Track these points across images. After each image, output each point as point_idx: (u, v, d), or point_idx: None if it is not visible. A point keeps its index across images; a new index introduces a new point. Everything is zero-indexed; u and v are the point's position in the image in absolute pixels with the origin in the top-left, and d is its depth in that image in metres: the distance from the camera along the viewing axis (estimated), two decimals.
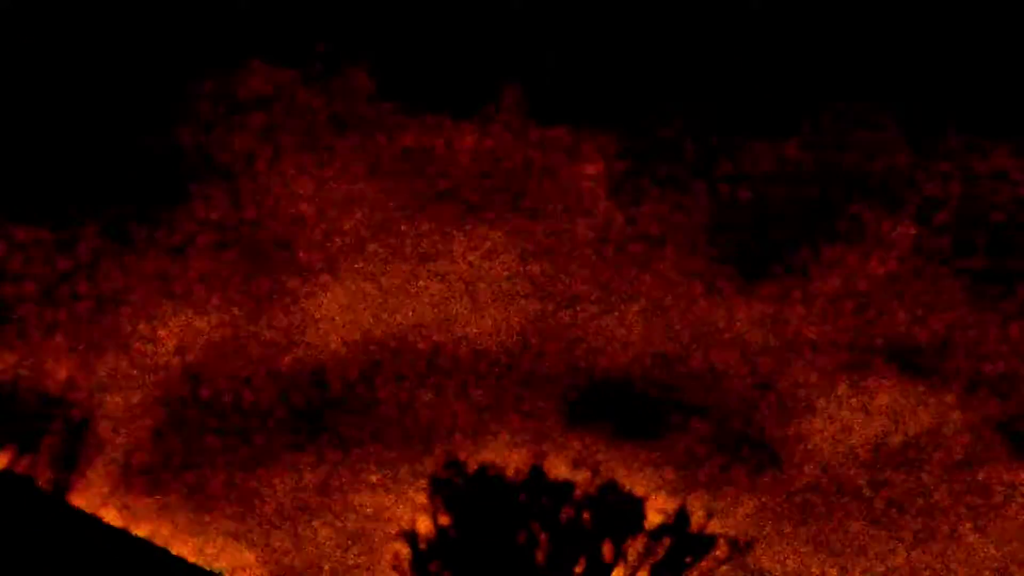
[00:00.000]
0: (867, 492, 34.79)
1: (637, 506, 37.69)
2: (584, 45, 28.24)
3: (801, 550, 36.37)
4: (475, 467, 36.22)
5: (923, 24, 32.71)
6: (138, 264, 31.47)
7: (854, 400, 31.21)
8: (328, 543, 35.96)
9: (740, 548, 37.53)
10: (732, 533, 37.56)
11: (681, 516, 37.71)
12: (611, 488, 37.40)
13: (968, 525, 35.31)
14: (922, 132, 32.85)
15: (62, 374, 30.73)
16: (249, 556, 35.38)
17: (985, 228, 33.68)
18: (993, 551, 33.93)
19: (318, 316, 28.44)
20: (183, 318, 30.33)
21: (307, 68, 31.03)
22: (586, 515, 37.68)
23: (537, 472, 37.00)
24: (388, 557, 36.36)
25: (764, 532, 37.32)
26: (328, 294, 28.85)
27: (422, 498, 36.56)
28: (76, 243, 31.96)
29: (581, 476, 37.18)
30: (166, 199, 32.43)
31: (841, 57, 33.11)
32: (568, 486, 37.13)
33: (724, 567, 37.65)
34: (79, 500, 32.99)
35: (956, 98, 32.69)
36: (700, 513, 37.63)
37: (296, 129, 30.24)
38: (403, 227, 27.17)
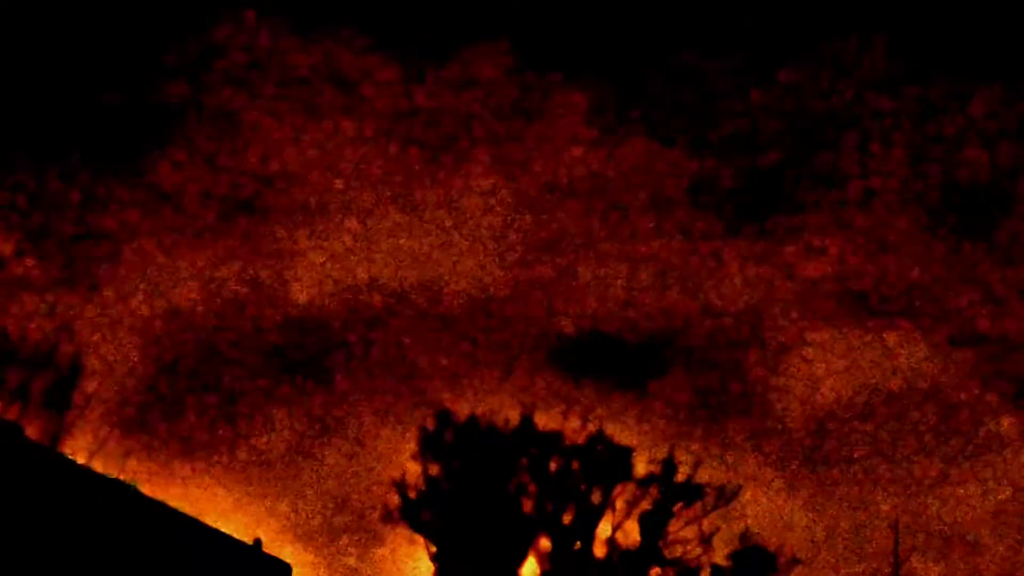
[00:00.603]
0: (852, 439, 34.98)
1: (626, 455, 37.94)
2: None
3: (785, 498, 36.60)
4: (464, 416, 36.44)
5: None
6: (123, 214, 31.61)
7: (841, 347, 31.34)
8: (317, 490, 36.20)
9: (726, 496, 37.80)
10: (718, 482, 37.82)
11: (668, 465, 37.97)
12: (600, 438, 37.65)
13: (954, 471, 35.52)
14: (910, 73, 32.93)
15: (47, 321, 30.93)
16: (236, 503, 35.65)
17: (972, 177, 33.76)
18: (978, 498, 34.16)
19: (304, 266, 28.57)
20: (170, 269, 30.48)
21: (293, 19, 31.08)
22: (575, 464, 37.93)
23: (527, 422, 37.24)
24: (378, 505, 36.62)
25: (750, 480, 37.56)
26: (314, 244, 28.95)
27: (411, 446, 36.81)
28: (60, 192, 32.10)
29: (570, 425, 37.42)
30: (152, 149, 32.55)
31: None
32: (557, 435, 37.37)
33: (710, 515, 37.92)
34: (68, 447, 33.24)
35: (948, 33, 32.73)
36: (687, 462, 37.88)
37: (281, 81, 30.30)
38: (388, 178, 27.21)
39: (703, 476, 38.19)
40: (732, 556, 37.89)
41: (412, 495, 37.17)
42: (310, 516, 36.23)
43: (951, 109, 33.67)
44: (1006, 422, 35.50)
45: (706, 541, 38.05)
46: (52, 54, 32.43)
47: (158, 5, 30.94)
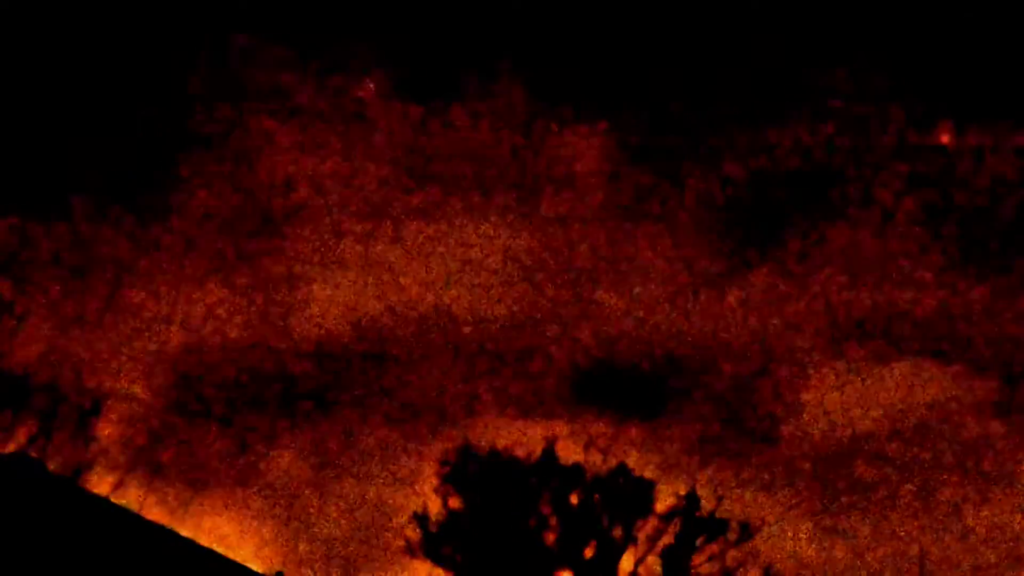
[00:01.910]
0: (875, 472, 34.80)
1: (647, 489, 37.75)
2: (583, 21, 28.18)
3: (807, 531, 36.45)
4: (483, 449, 36.27)
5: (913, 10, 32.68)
6: (131, 244, 31.47)
7: (857, 379, 31.13)
8: (337, 523, 36.07)
9: (749, 531, 37.57)
10: (741, 516, 37.60)
11: (691, 498, 37.76)
12: (621, 471, 37.47)
13: (978, 505, 35.33)
14: (916, 112, 32.82)
15: (53, 356, 30.76)
16: (257, 537, 35.49)
17: (984, 207, 33.64)
18: (998, 533, 33.91)
19: (316, 297, 28.39)
20: (180, 300, 30.33)
21: (302, 47, 30.94)
22: (596, 497, 37.77)
23: (548, 455, 37.07)
24: (399, 539, 36.47)
25: (771, 515, 37.38)
26: (326, 274, 28.79)
27: (432, 479, 36.65)
28: (68, 225, 31.95)
29: (590, 458, 37.24)
30: (159, 180, 32.43)
31: (833, 36, 33.10)
32: (578, 468, 37.19)
33: (732, 550, 37.72)
34: (90, 482, 33.11)
35: (951, 78, 32.64)
36: (709, 496, 37.68)
37: (291, 110, 30.17)
38: (400, 206, 27.09)
39: (725, 510, 38.00)
40: None
41: (433, 528, 37.01)
42: (330, 549, 36.10)
43: (972, 140, 33.56)
44: None
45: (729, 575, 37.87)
46: (50, 83, 32.33)
47: (157, 35, 30.84)
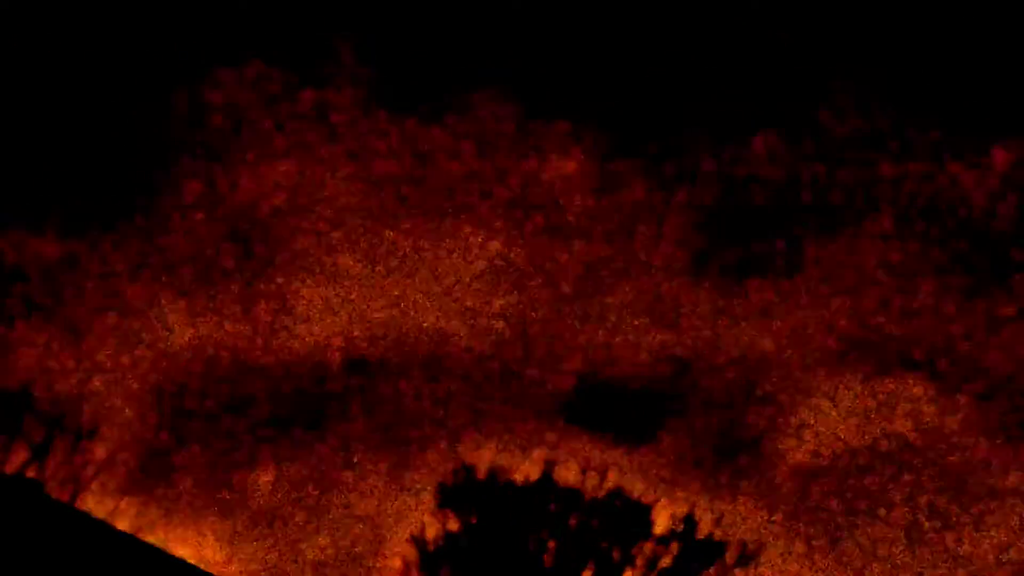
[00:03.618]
0: (870, 494, 34.81)
1: (645, 512, 37.75)
2: (565, 35, 28.22)
3: (802, 552, 36.44)
4: (478, 470, 36.28)
5: (912, 19, 32.75)
6: (116, 260, 31.49)
7: (857, 398, 31.14)
8: (334, 545, 36.05)
9: (749, 554, 37.54)
10: (738, 538, 37.59)
11: (688, 521, 37.76)
12: (618, 494, 37.46)
13: (974, 528, 35.33)
14: (915, 124, 32.87)
15: (43, 377, 30.76)
16: (250, 560, 35.46)
17: (979, 223, 33.69)
18: (993, 556, 33.90)
19: (306, 315, 28.36)
20: (167, 317, 30.37)
21: (289, 63, 30.99)
22: (594, 522, 37.78)
23: (545, 477, 37.06)
24: (391, 563, 36.44)
25: (769, 537, 37.38)
26: (315, 292, 28.81)
27: (418, 502, 36.63)
28: (47, 246, 31.98)
29: (588, 480, 37.22)
30: (145, 193, 32.47)
31: (834, 48, 33.16)
32: (575, 491, 37.18)
33: (733, 572, 37.70)
34: (87, 503, 33.06)
35: (952, 87, 32.71)
36: (708, 518, 37.67)
37: (277, 126, 30.22)
38: (386, 223, 27.12)
39: (722, 532, 38.00)
40: None
41: (430, 550, 36.99)
42: (327, 572, 36.07)
43: (973, 159, 33.62)
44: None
45: None
46: (39, 99, 32.42)
47: (148, 51, 30.93)
